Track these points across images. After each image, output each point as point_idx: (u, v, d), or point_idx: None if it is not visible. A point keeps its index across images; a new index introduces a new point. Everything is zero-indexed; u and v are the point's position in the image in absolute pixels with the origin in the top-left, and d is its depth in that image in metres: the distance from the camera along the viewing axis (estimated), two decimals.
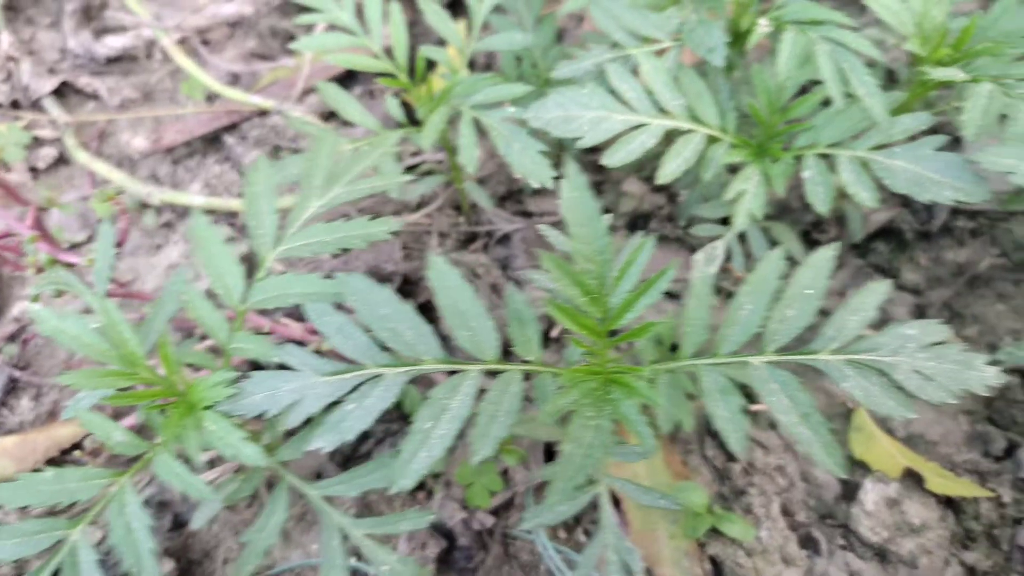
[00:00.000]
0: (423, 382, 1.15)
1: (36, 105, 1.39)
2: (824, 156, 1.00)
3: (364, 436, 1.15)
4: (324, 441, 0.77)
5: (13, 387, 1.19)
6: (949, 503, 1.16)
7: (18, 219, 0.93)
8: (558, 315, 0.78)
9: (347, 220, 0.88)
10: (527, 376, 0.82)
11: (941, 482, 1.16)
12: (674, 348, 0.86)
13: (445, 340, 0.85)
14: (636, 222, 1.40)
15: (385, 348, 0.79)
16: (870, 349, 0.81)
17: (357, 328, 0.80)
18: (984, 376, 0.80)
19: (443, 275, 0.80)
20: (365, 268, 1.21)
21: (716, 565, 1.12)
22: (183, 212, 1.33)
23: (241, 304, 0.83)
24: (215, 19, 1.53)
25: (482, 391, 0.79)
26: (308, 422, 0.80)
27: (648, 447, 0.80)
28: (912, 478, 1.17)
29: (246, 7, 1.53)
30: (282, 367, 0.79)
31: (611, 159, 1.01)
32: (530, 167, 1.03)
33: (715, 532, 1.12)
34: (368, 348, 0.79)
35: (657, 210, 1.38)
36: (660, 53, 1.03)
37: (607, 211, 1.40)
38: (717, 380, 0.81)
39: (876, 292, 0.82)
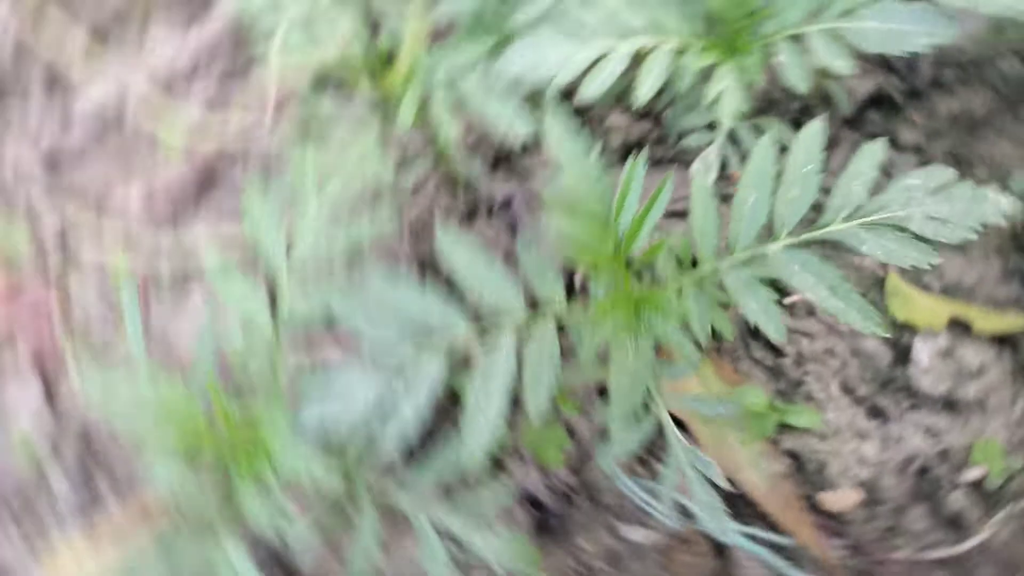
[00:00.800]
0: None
1: (28, 205, 1.43)
2: (794, 37, 1.00)
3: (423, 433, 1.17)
4: (391, 442, 0.79)
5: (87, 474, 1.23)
6: (1002, 341, 1.16)
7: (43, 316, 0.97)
8: (573, 252, 0.80)
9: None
10: (560, 326, 0.84)
11: (988, 322, 1.17)
12: (696, 264, 0.87)
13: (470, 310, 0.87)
14: (627, 153, 1.41)
15: (417, 333, 0.81)
16: (880, 208, 0.82)
17: (386, 321, 0.82)
18: (998, 206, 0.81)
19: (456, 243, 0.82)
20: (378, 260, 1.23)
21: (794, 457, 1.13)
22: (196, 258, 1.36)
23: (273, 335, 0.86)
24: (174, 69, 1.55)
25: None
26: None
27: (692, 358, 0.82)
28: (959, 326, 1.17)
29: (205, 34, 1.55)
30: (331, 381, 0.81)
31: (587, 91, 1.02)
32: (512, 118, 1.04)
33: (784, 427, 1.14)
34: (401, 332, 0.81)
35: (646, 136, 1.38)
36: None
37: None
38: (740, 276, 0.83)
39: (873, 153, 0.83)
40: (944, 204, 0.81)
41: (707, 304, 0.84)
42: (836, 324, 1.21)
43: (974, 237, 0.81)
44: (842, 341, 1.19)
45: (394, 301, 0.80)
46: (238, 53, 1.53)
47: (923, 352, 1.15)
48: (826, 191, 0.85)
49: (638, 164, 0.83)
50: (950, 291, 1.22)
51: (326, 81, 1.30)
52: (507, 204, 1.38)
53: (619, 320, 0.79)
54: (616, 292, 0.82)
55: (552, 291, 0.83)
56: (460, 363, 1.12)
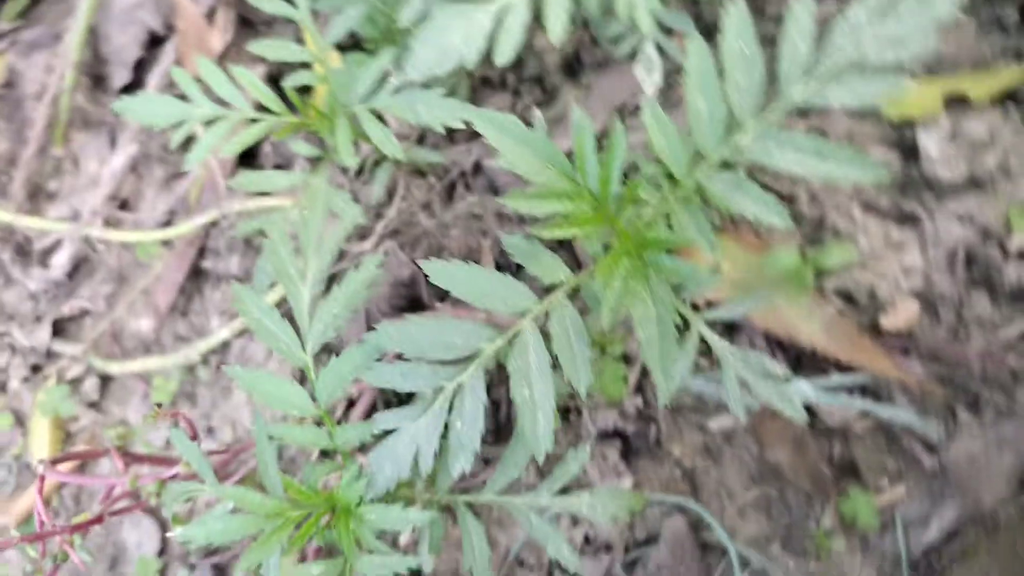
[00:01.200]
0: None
1: (50, 355, 1.45)
2: None
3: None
4: (461, 464, 0.82)
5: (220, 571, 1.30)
6: (1003, 100, 1.13)
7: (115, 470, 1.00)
8: (562, 233, 0.79)
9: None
10: (573, 299, 0.84)
11: (982, 86, 1.13)
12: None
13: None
14: (570, 66, 1.36)
15: (447, 362, 0.82)
16: (832, 55, 0.78)
17: (414, 363, 0.83)
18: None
19: (446, 273, 0.82)
20: (388, 287, 1.24)
21: (844, 295, 1.13)
22: (224, 347, 1.38)
23: (317, 411, 0.88)
24: (115, 177, 1.54)
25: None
26: None
27: (707, 279, 0.82)
28: (955, 102, 1.13)
29: (130, 147, 1.53)
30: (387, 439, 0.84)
31: (502, 57, 0.99)
32: (444, 115, 1.01)
33: (823, 271, 1.13)
34: (434, 372, 0.83)
35: (580, 44, 1.33)
36: None
37: (538, 80, 1.36)
38: (724, 180, 0.81)
39: (804, 4, 0.79)
40: (894, 25, 0.77)
41: (702, 217, 0.83)
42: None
43: (938, 42, 0.77)
44: None
45: (414, 347, 0.81)
46: (170, 154, 1.51)
47: (929, 142, 1.12)
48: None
49: (582, 116, 0.80)
50: (934, 69, 1.17)
51: (262, 142, 1.29)
52: (478, 167, 1.36)
53: (627, 273, 0.79)
54: (614, 247, 0.81)
55: (553, 271, 0.83)
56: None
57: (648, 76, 1.06)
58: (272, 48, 1.16)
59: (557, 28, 0.98)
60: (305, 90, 1.23)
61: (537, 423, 0.79)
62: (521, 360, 0.81)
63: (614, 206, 0.81)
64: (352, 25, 1.15)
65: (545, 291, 0.84)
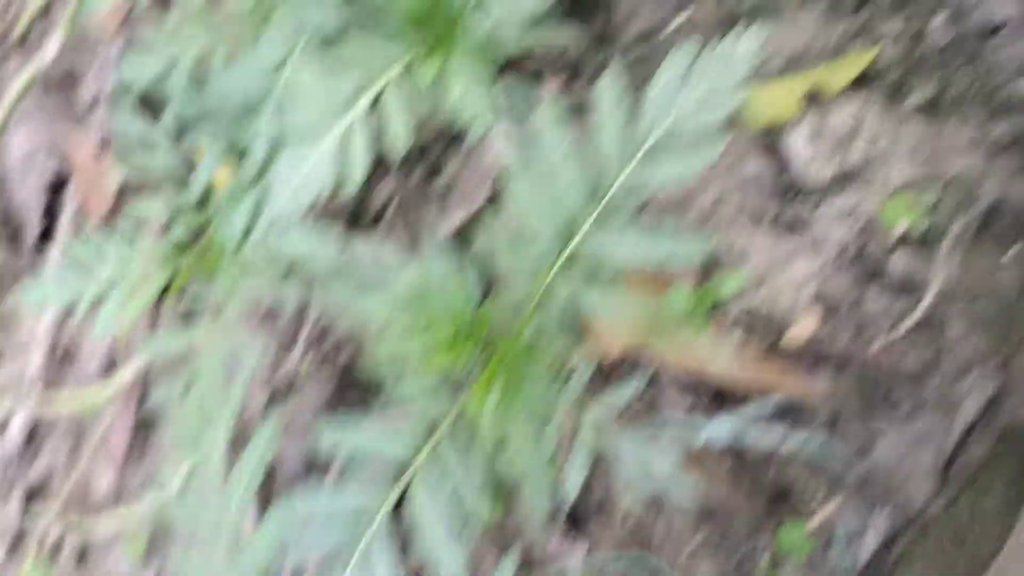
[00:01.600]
0: None
1: (25, 524, 1.50)
2: None
3: None
4: None
5: None
6: (860, 82, 1.12)
7: None
8: (433, 365, 0.81)
9: None
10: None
11: (839, 74, 1.13)
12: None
13: None
14: (451, 135, 1.37)
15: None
16: (647, 134, 0.79)
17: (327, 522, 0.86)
18: None
19: (334, 435, 0.84)
20: (319, 397, 1.26)
21: (746, 320, 1.13)
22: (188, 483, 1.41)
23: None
24: (50, 332, 1.57)
25: None
26: None
27: (583, 371, 0.83)
28: (816, 98, 1.13)
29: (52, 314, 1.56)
30: None
31: (351, 183, 1.01)
32: (316, 248, 1.03)
33: (720, 302, 1.14)
34: (345, 529, 0.85)
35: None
36: None
37: (423, 152, 1.37)
38: (569, 284, 0.82)
39: (610, 89, 0.79)
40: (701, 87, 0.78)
41: (558, 320, 0.84)
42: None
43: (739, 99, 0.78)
44: (725, 178, 1.17)
45: (312, 518, 0.83)
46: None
47: (796, 145, 1.13)
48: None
49: (435, 252, 0.82)
50: (791, 65, 1.17)
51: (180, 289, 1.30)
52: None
53: (500, 395, 0.81)
54: (484, 371, 0.83)
55: (434, 406, 0.85)
56: None
57: (506, 149, 1.07)
58: (150, 208, 1.17)
59: (400, 139, 0.99)
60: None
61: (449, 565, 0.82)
62: (418, 507, 0.83)
63: (477, 328, 0.83)
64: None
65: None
